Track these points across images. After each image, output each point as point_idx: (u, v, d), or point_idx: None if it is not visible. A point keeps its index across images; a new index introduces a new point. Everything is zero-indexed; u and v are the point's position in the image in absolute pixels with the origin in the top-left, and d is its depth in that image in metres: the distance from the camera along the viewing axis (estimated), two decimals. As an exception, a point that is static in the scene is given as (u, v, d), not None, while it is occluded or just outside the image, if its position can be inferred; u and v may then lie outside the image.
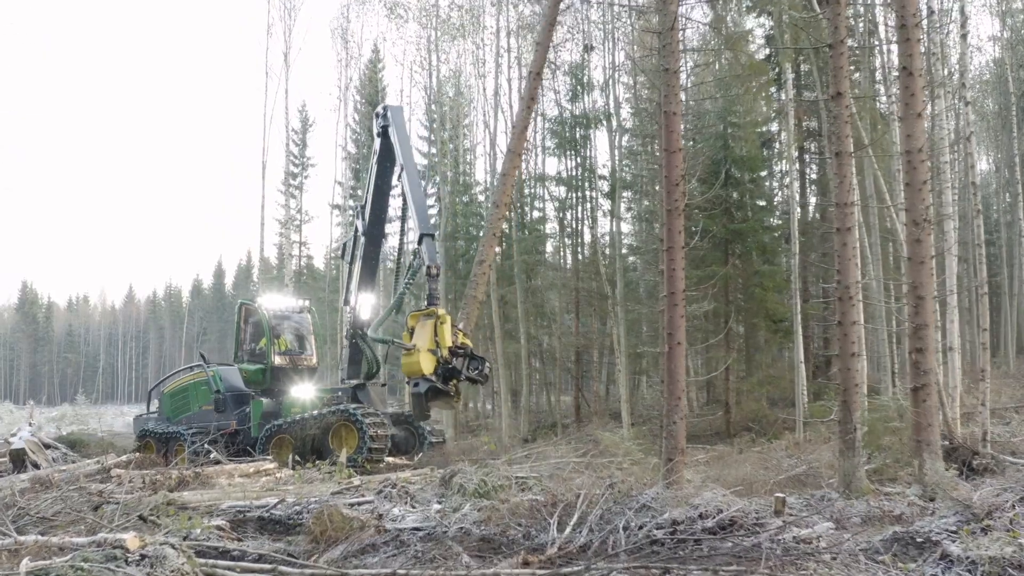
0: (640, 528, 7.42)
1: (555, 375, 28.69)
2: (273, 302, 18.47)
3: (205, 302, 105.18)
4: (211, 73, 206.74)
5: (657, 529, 7.38)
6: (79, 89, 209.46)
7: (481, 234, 30.94)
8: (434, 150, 33.00)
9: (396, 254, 17.85)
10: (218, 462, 15.20)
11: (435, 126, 32.15)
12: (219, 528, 8.66)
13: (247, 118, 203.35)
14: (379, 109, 17.62)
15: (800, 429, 16.96)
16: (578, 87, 26.72)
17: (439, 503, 10.16)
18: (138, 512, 8.97)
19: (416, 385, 13.89)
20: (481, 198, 32.62)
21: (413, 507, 10.22)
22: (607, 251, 27.22)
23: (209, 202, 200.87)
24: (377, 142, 17.41)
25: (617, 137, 25.51)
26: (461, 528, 8.22)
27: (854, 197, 9.58)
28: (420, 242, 14.69)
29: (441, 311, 14.41)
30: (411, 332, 14.29)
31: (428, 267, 14.29)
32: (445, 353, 13.85)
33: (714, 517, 7.47)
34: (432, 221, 17.37)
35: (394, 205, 28.39)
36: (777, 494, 7.88)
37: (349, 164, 35.57)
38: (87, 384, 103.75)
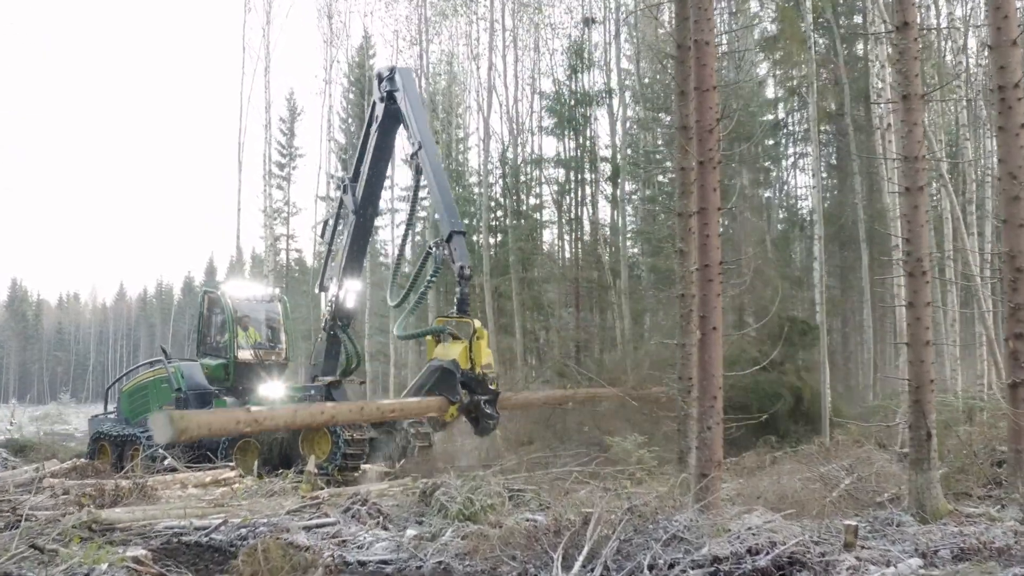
0: (671, 567, 5.69)
1: (553, 373, 26.82)
2: (239, 289, 16.57)
3: (196, 299, 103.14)
4: (209, 70, 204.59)
5: (694, 568, 5.64)
6: (75, 89, 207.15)
7: (474, 223, 29.23)
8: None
9: (399, 244, 15.88)
10: (173, 469, 13.47)
11: (428, 115, 30.34)
12: (136, 560, 6.88)
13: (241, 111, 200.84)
14: (383, 71, 14.84)
15: (827, 432, 15.23)
16: (578, 63, 24.92)
17: (417, 524, 8.43)
18: (34, 538, 7.18)
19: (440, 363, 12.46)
20: (477, 189, 30.80)
21: (386, 528, 8.48)
22: (608, 239, 25.48)
23: (205, 200, 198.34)
24: (379, 107, 14.78)
25: (621, 111, 23.76)
26: (440, 563, 6.50)
27: (924, 150, 7.80)
28: (449, 239, 12.88)
29: (477, 323, 12.84)
30: (437, 338, 12.97)
31: (461, 268, 12.66)
32: (479, 370, 12.34)
33: (767, 553, 5.73)
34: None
35: (384, 196, 26.45)
36: (847, 521, 6.13)
37: (337, 154, 33.71)
38: (77, 382, 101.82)
